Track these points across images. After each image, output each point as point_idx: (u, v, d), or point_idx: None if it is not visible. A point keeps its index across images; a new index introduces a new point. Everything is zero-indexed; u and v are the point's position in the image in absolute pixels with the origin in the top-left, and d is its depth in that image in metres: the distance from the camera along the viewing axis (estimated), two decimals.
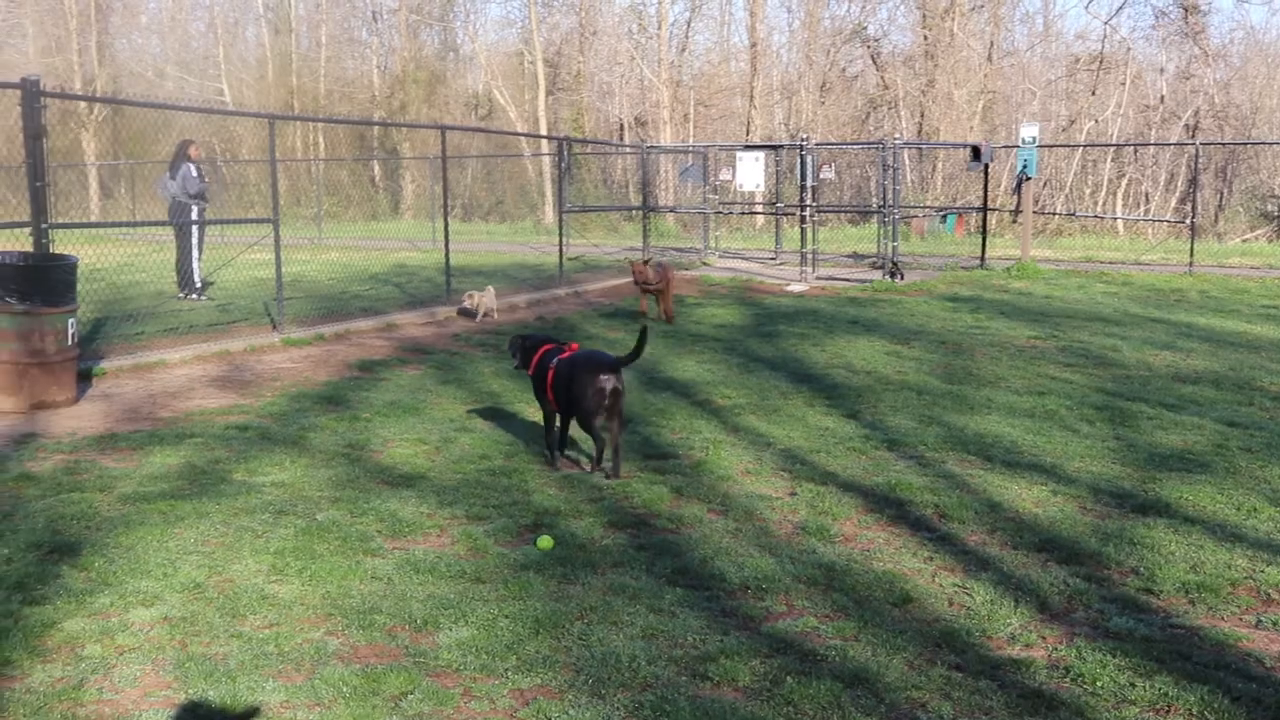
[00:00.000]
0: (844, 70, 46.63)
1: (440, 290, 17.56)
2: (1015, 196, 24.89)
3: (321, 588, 5.59)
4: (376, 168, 48.90)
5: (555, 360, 8.00)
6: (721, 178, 27.68)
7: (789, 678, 4.64)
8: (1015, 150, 24.15)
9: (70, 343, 10.01)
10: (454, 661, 4.80)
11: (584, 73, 48.52)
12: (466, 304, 15.90)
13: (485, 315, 15.85)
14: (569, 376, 7.81)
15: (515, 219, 42.84)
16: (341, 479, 7.53)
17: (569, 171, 23.34)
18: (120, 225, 16.67)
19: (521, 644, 4.97)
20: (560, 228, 21.85)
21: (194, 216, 17.62)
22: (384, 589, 5.59)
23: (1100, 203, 36.07)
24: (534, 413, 8.55)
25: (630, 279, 16.44)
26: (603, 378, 7.68)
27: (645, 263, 15.66)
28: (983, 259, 24.01)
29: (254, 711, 4.37)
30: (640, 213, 26.76)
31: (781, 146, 26.90)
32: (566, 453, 8.15)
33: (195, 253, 17.63)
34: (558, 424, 8.14)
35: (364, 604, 5.39)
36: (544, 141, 39.61)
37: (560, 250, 21.26)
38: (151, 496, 7.02)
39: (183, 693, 4.50)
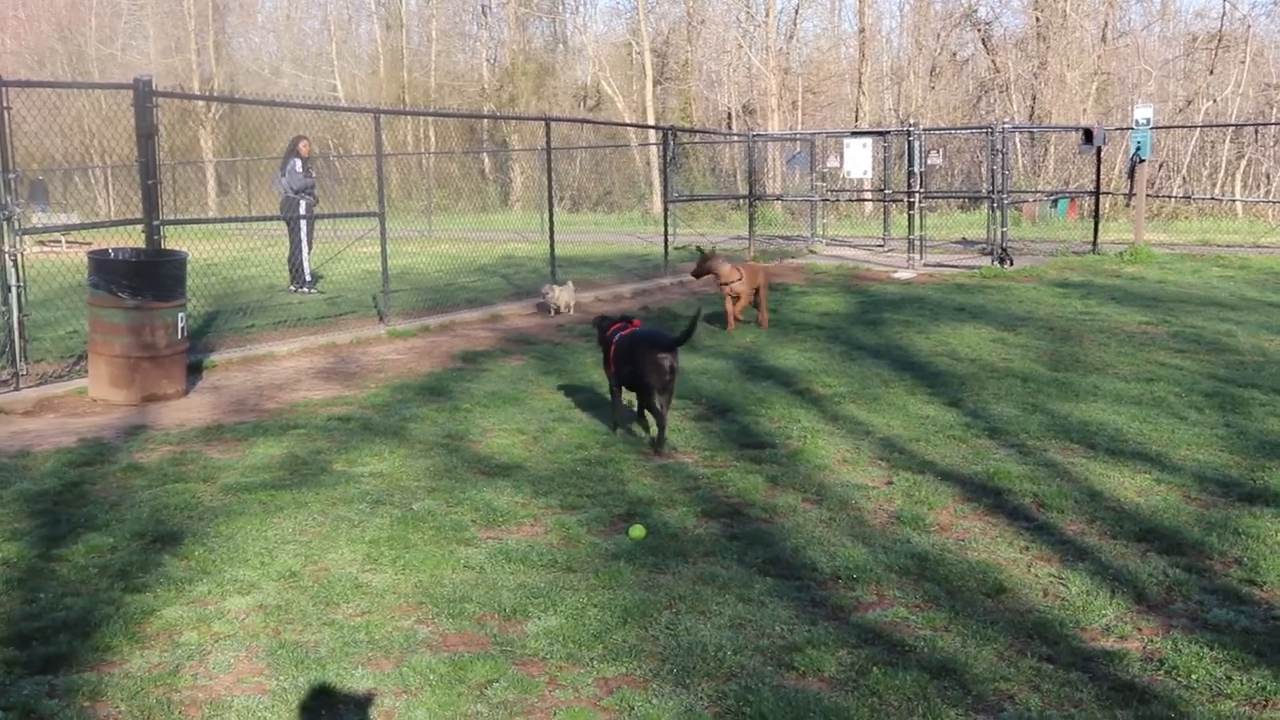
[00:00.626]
0: (954, 54, 46.00)
1: (545, 281, 17.62)
2: (1129, 180, 24.36)
3: (414, 577, 5.66)
4: (486, 160, 49.28)
5: (617, 336, 8.48)
6: (829, 165, 27.44)
7: (875, 668, 4.60)
8: (1129, 132, 23.61)
9: (180, 336, 10.24)
10: (540, 650, 4.83)
11: (691, 62, 48.46)
12: (546, 297, 15.83)
13: (562, 310, 15.71)
14: (629, 352, 8.22)
15: (623, 209, 42.92)
16: (439, 469, 7.61)
17: (674, 161, 23.31)
18: (230, 220, 16.99)
19: (609, 633, 4.99)
20: (665, 218, 21.88)
21: (301, 211, 17.91)
22: (475, 578, 5.64)
23: (1218, 185, 35.17)
24: (633, 403, 8.60)
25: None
26: (661, 355, 8.05)
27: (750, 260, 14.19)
28: (1095, 243, 23.53)
29: (369, 699, 4.44)
30: (747, 201, 26.68)
31: (890, 132, 26.61)
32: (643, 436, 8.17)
33: (305, 247, 17.92)
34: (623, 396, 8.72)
35: (455, 593, 5.44)
36: (651, 131, 39.63)
37: (665, 240, 21.30)
38: (253, 487, 7.16)
39: (274, 679, 4.59)
